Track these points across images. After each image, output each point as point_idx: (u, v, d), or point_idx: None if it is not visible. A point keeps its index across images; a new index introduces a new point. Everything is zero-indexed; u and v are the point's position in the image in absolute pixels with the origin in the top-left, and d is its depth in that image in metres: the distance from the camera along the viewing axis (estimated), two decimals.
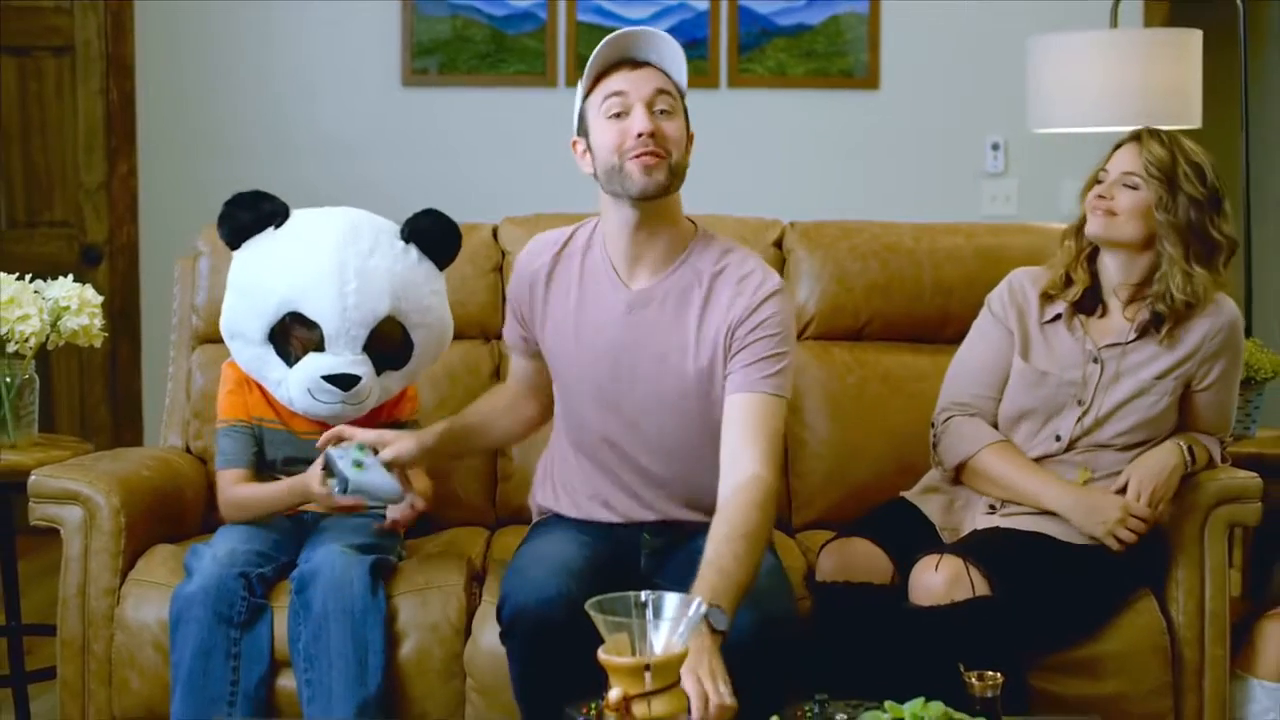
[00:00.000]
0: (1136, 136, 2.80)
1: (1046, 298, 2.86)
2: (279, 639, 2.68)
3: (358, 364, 2.77)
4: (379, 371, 2.83)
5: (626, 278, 2.57)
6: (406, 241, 2.87)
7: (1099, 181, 2.81)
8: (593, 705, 1.99)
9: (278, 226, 2.84)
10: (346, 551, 2.70)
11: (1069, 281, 2.84)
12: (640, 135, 2.44)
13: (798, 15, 5.21)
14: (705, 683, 2.04)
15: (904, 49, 5.25)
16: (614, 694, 1.81)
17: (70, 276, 3.35)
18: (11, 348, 3.19)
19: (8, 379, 3.24)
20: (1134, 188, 2.75)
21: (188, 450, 3.26)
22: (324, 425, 2.81)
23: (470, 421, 2.80)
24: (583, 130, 2.53)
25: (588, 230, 2.65)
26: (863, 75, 5.24)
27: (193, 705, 2.59)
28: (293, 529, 2.88)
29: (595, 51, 2.48)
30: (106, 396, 5.22)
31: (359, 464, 2.64)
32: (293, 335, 2.79)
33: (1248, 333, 3.88)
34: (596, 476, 2.66)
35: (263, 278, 2.81)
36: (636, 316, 2.56)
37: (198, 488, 3.14)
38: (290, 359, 2.80)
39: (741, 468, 2.39)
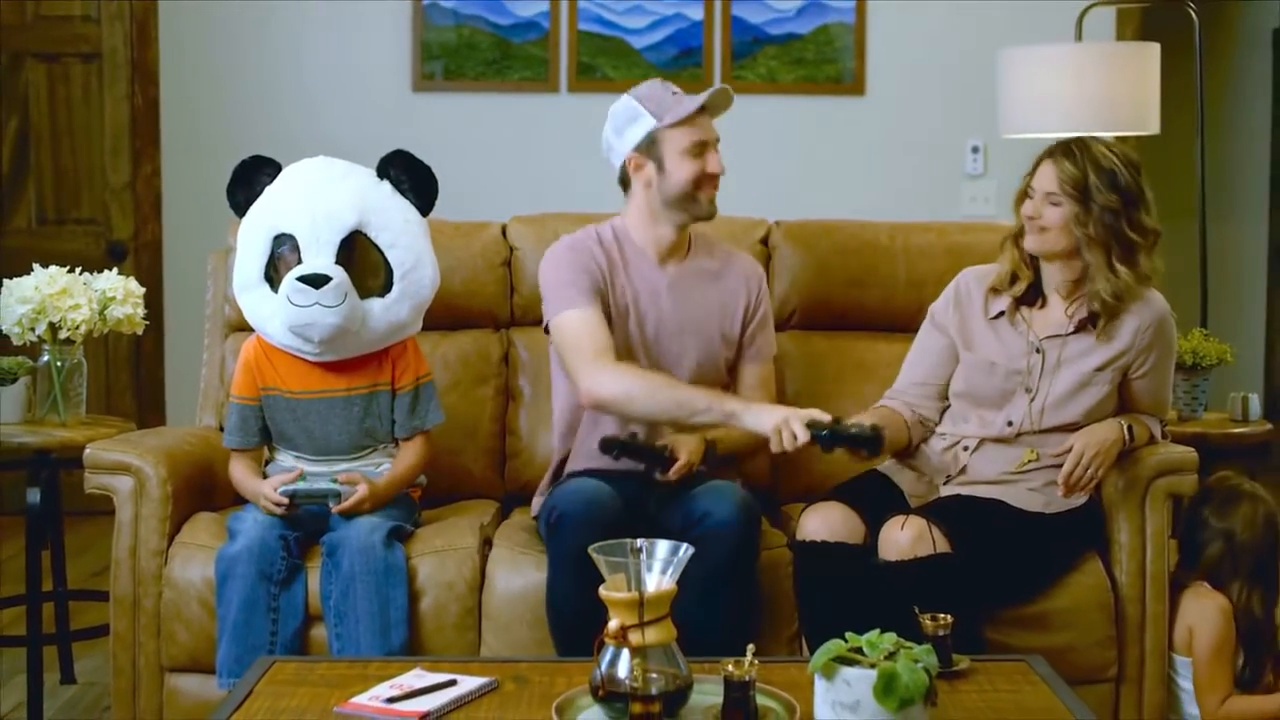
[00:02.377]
0: (1051, 153, 2.96)
1: (994, 292, 3.08)
2: (313, 595, 2.93)
3: (330, 269, 3.02)
4: (363, 296, 3.05)
5: (660, 262, 3.11)
6: (380, 179, 3.18)
7: (1028, 195, 2.99)
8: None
9: (271, 180, 3.17)
10: (371, 519, 2.97)
11: (1014, 279, 3.05)
12: (713, 175, 3.06)
13: (788, 25, 5.38)
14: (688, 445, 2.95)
15: (889, 57, 5.41)
16: (613, 624, 2.09)
17: (115, 270, 3.56)
18: (63, 334, 3.39)
19: (59, 363, 3.45)
20: (1057, 204, 2.94)
21: (221, 429, 3.43)
22: (320, 380, 3.08)
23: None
24: (652, 154, 3.03)
25: (608, 229, 3.14)
26: (850, 82, 5.41)
27: (237, 652, 2.85)
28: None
29: (692, 102, 2.99)
30: (132, 384, 5.41)
31: (304, 477, 3.03)
32: (280, 263, 3.07)
33: (1201, 324, 4.15)
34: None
35: (255, 220, 3.13)
36: (677, 290, 3.10)
37: None
38: (279, 288, 3.06)
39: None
